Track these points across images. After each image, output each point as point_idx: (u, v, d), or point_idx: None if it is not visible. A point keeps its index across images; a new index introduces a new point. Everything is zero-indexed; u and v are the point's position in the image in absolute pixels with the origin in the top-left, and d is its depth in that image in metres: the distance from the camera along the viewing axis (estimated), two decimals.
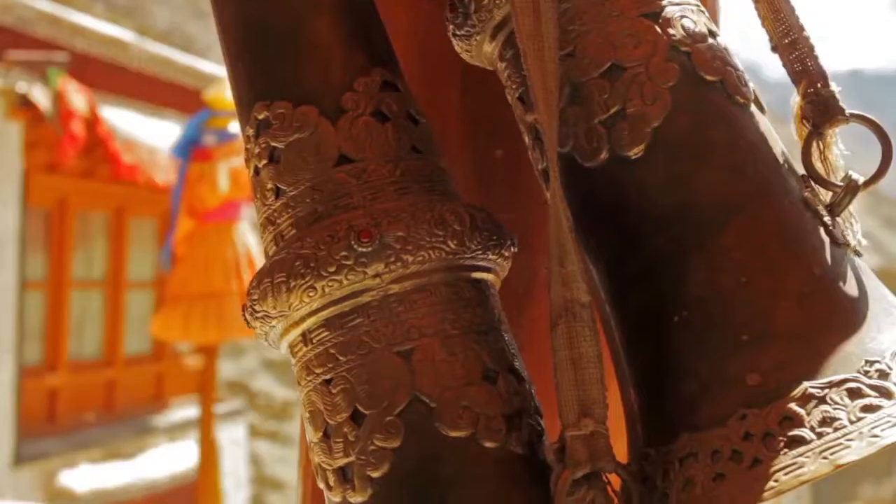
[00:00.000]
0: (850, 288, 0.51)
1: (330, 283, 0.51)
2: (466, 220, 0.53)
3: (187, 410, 8.29)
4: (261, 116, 0.56)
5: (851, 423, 0.46)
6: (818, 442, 0.46)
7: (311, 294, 0.52)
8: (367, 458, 0.50)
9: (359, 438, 0.51)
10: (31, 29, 6.39)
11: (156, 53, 7.63)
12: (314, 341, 0.53)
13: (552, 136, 0.52)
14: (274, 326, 0.54)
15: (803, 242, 0.51)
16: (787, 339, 0.49)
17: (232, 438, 8.37)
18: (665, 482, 0.50)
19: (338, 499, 0.52)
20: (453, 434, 0.50)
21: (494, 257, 0.55)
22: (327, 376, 0.52)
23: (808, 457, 0.46)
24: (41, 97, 5.81)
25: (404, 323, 0.51)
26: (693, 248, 0.51)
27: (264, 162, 0.55)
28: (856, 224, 0.55)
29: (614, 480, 0.51)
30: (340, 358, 0.52)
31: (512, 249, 0.56)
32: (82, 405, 7.52)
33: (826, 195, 0.54)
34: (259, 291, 0.53)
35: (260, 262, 5.49)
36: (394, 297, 0.52)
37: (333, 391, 0.52)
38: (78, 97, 5.96)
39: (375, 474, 0.50)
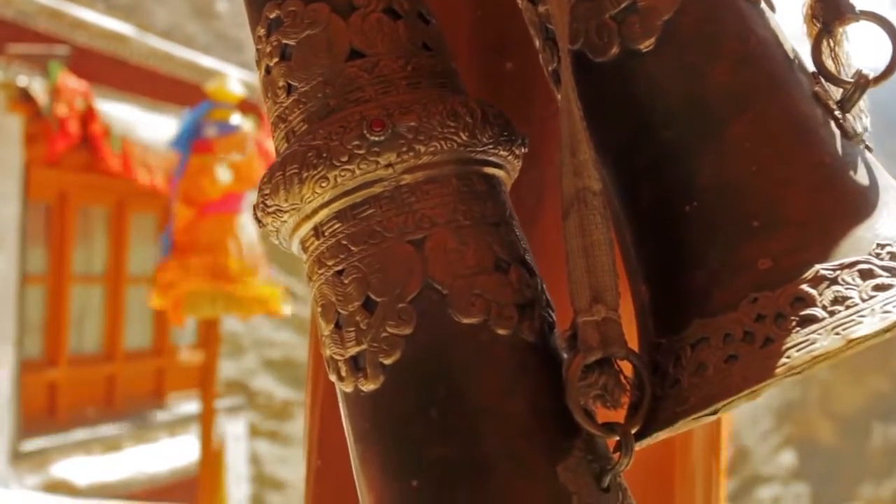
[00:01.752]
0: (861, 177, 0.51)
1: (342, 173, 0.51)
2: (478, 114, 0.53)
3: (188, 405, 8.29)
4: (272, 15, 0.56)
5: (863, 301, 0.47)
6: (830, 319, 0.46)
7: (323, 185, 0.52)
8: (380, 345, 0.50)
9: (371, 326, 0.51)
10: (31, 23, 6.39)
11: (156, 48, 7.64)
12: (326, 234, 0.53)
13: (563, 25, 0.52)
14: (285, 221, 0.54)
15: (814, 133, 0.52)
16: (798, 226, 0.49)
17: (232, 434, 8.37)
18: (677, 368, 0.50)
19: (349, 389, 0.52)
20: (466, 321, 0.50)
21: (505, 154, 0.55)
22: (339, 267, 0.52)
23: (820, 333, 0.46)
24: (39, 91, 5.81)
25: (416, 213, 0.51)
26: (703, 139, 0.52)
27: (276, 60, 0.55)
28: (865, 119, 0.55)
29: (626, 369, 0.51)
30: (352, 248, 0.52)
31: (523, 149, 0.56)
32: (82, 399, 7.52)
33: (836, 93, 0.54)
34: (271, 185, 0.53)
35: (261, 252, 5.51)
36: (406, 187, 0.52)
37: (345, 281, 0.52)
38: (75, 92, 5.96)
39: (388, 361, 0.50)
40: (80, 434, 7.20)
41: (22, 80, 5.97)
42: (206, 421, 5.91)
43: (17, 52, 6.09)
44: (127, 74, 7.21)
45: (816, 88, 0.53)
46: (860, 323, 0.46)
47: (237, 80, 5.95)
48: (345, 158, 0.51)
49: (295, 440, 16.13)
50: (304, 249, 0.54)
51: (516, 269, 0.52)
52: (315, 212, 0.53)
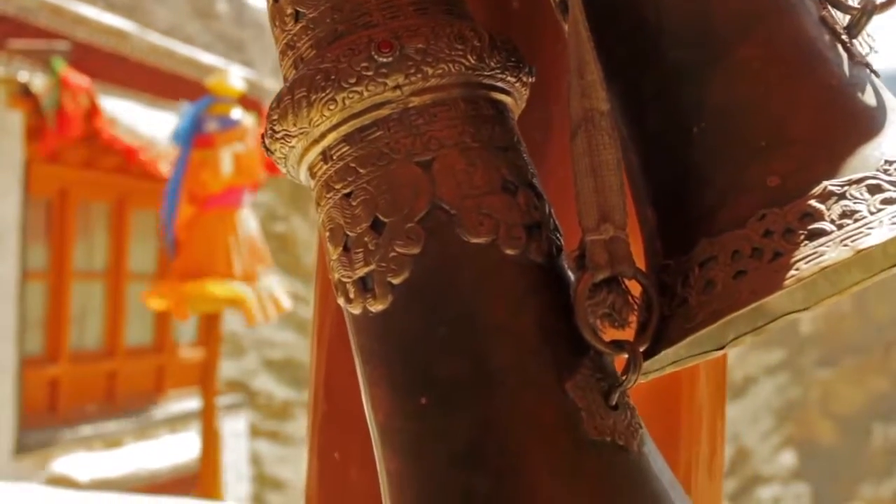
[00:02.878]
0: (869, 98, 0.51)
1: (350, 95, 0.51)
2: (486, 38, 0.53)
3: (188, 402, 8.29)
4: None
5: (871, 214, 0.47)
6: (839, 232, 0.47)
7: (331, 107, 0.52)
8: (388, 265, 0.50)
9: (379, 247, 0.51)
10: (32, 18, 6.39)
11: (157, 44, 7.64)
12: (334, 157, 0.53)
13: None
14: (294, 147, 0.54)
15: (822, 56, 0.52)
16: (806, 144, 0.50)
17: (233, 431, 8.37)
18: (685, 288, 0.50)
19: (358, 310, 0.52)
20: (474, 240, 0.50)
21: (513, 80, 0.55)
22: (347, 190, 0.52)
23: (828, 246, 0.46)
24: (40, 87, 5.81)
25: (424, 135, 0.51)
26: (711, 61, 0.52)
27: None
28: (873, 44, 0.55)
29: (634, 290, 0.51)
30: (360, 170, 0.52)
31: (530, 78, 0.56)
32: (83, 396, 7.52)
33: (843, 21, 0.55)
34: (279, 111, 0.53)
35: (262, 247, 5.51)
36: (413, 109, 0.52)
37: (353, 203, 0.52)
38: (79, 88, 5.97)
39: (396, 280, 0.50)
40: (81, 430, 7.20)
41: (23, 76, 5.97)
42: (206, 417, 5.91)
43: (17, 47, 6.09)
44: (128, 71, 7.21)
45: (823, 13, 0.53)
46: (868, 235, 0.46)
47: (238, 76, 5.95)
48: (353, 80, 0.51)
49: (295, 440, 16.12)
50: (312, 175, 0.55)
51: (524, 192, 0.52)
52: (323, 135, 0.53)
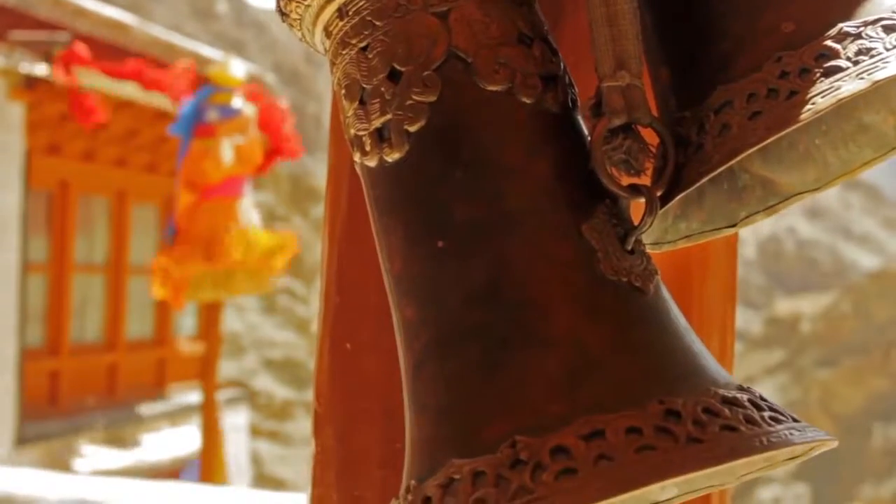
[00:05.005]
0: None
1: None
2: None
3: (188, 396, 8.30)
4: None
5: (887, 50, 0.47)
6: (854, 68, 0.47)
7: None
8: (405, 113, 0.50)
9: (395, 95, 0.51)
10: (33, 10, 6.40)
11: (157, 37, 7.65)
12: (350, 13, 0.53)
13: None
14: (309, 6, 0.54)
15: None
16: None
17: (233, 425, 8.37)
18: (700, 135, 0.50)
19: (374, 162, 0.52)
20: (490, 87, 0.50)
21: None
22: (363, 43, 0.52)
23: (844, 80, 0.47)
24: (47, 71, 5.83)
25: None
26: None
27: None
28: None
29: (651, 140, 0.51)
30: (377, 23, 0.52)
31: None
32: (84, 388, 7.53)
33: None
34: None
35: (263, 237, 5.49)
36: None
37: (370, 56, 0.52)
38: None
39: (412, 128, 0.50)
40: (81, 423, 7.20)
41: (24, 67, 5.97)
42: (207, 410, 5.91)
43: (18, 38, 6.10)
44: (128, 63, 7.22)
45: None
46: (884, 68, 0.46)
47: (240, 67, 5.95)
48: None
49: (295, 440, 16.10)
50: (328, 35, 0.55)
51: (539, 45, 0.52)
52: None
